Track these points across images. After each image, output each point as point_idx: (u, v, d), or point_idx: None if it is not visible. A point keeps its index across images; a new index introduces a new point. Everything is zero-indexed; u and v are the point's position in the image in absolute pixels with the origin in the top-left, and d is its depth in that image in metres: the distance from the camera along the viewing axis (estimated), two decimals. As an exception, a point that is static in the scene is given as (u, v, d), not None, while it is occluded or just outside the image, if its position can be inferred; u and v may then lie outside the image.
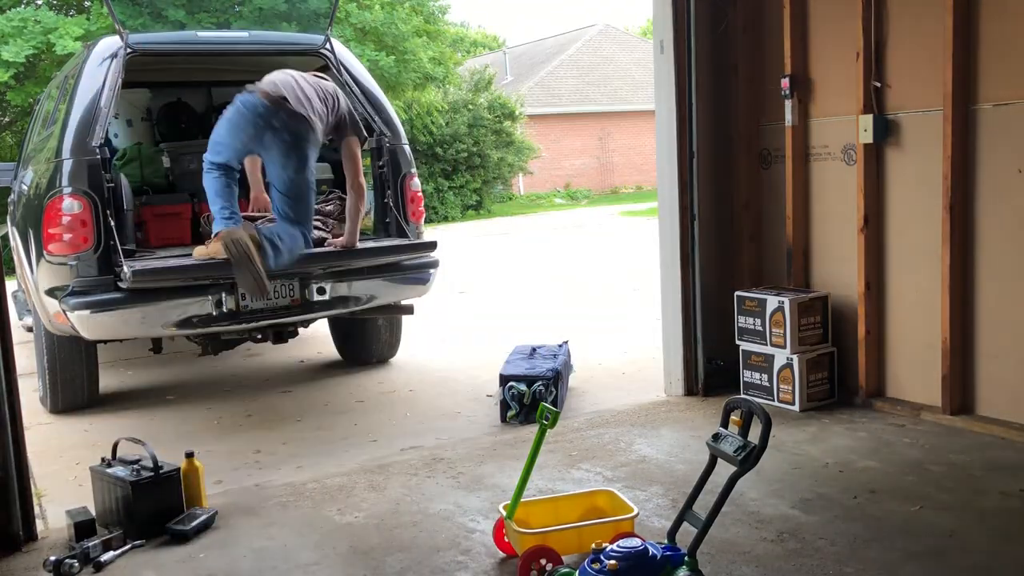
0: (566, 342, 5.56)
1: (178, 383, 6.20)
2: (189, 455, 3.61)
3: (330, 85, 4.98)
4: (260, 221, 5.01)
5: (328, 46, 5.68)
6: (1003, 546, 3.04)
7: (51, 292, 4.82)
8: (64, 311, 4.69)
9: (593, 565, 2.53)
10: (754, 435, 2.62)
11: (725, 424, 2.75)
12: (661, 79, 4.89)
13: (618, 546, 2.57)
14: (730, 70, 5.02)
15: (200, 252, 4.76)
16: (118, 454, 3.60)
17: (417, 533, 3.33)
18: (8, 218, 6.28)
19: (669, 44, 4.80)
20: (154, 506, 3.41)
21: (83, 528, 3.33)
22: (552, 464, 3.98)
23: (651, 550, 2.59)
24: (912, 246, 4.43)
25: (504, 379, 4.84)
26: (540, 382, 4.76)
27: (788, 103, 4.81)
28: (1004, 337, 4.11)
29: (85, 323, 4.66)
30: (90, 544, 3.20)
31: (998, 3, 3.99)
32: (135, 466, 3.48)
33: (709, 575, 2.84)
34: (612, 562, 2.51)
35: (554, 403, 4.73)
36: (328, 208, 5.56)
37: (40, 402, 5.61)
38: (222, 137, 4.62)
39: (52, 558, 3.12)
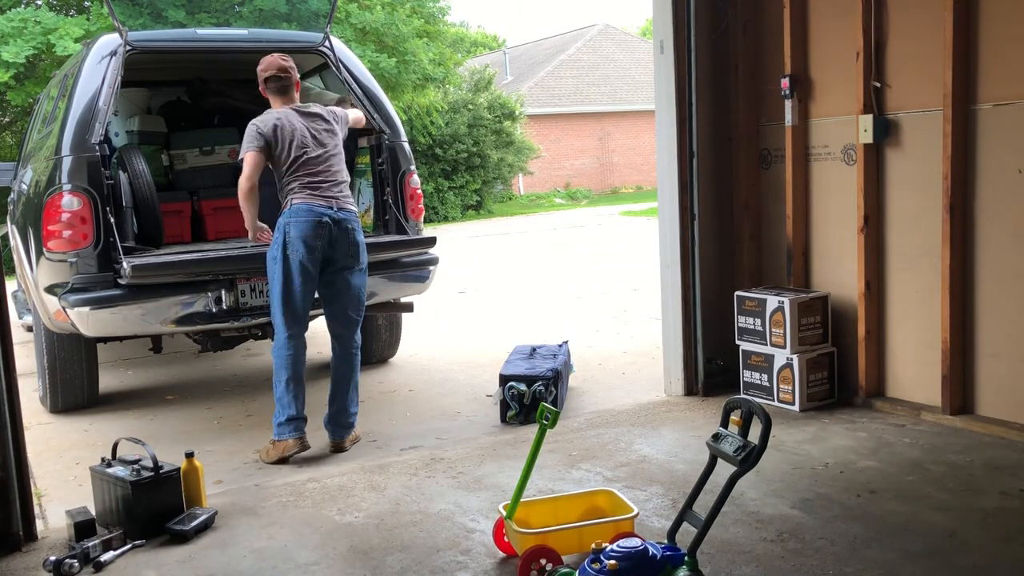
0: (566, 342, 5.56)
1: (178, 383, 6.20)
2: (189, 455, 3.61)
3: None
4: None
5: (327, 43, 5.68)
6: (1003, 546, 3.04)
7: (51, 289, 4.83)
8: (64, 308, 4.69)
9: (593, 565, 2.53)
10: (754, 435, 2.62)
11: (725, 424, 2.75)
12: (661, 79, 4.89)
13: (618, 546, 2.57)
14: (730, 70, 5.02)
15: None
16: (118, 454, 3.60)
17: (417, 533, 3.32)
18: (8, 217, 6.28)
19: (669, 44, 4.80)
20: (154, 506, 3.41)
21: (83, 528, 3.33)
22: (552, 464, 3.98)
23: (651, 550, 2.59)
24: (912, 246, 4.42)
25: (504, 379, 4.84)
26: (540, 382, 4.76)
27: (788, 103, 4.81)
28: (1004, 337, 4.11)
29: (85, 320, 4.67)
30: (90, 544, 3.20)
31: (998, 3, 3.99)
32: (135, 466, 3.47)
33: (709, 575, 2.84)
34: (612, 562, 2.50)
35: (554, 403, 4.73)
36: None
37: (40, 402, 5.60)
38: None
39: (52, 558, 3.12)
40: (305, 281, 4.33)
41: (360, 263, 4.53)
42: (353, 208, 4.54)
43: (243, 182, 4.42)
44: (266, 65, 4.54)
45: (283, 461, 4.30)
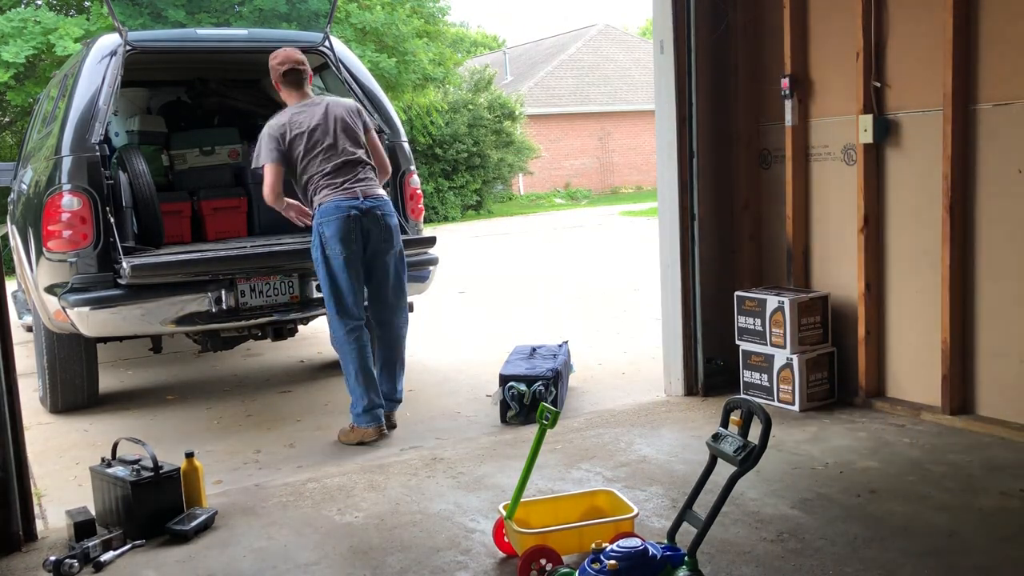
0: (566, 342, 5.55)
1: (178, 383, 6.20)
2: (189, 455, 3.61)
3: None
4: None
5: (327, 43, 5.68)
6: (1003, 546, 3.04)
7: (51, 289, 4.83)
8: (64, 308, 4.69)
9: (593, 565, 2.53)
10: (754, 435, 2.62)
11: (725, 424, 2.74)
12: (661, 79, 4.89)
13: (618, 546, 2.57)
14: (730, 70, 5.02)
15: None
16: (118, 454, 3.60)
17: (417, 533, 3.32)
18: (8, 217, 6.29)
19: (669, 44, 4.80)
20: (154, 506, 3.41)
21: (83, 528, 3.33)
22: (552, 464, 3.98)
23: (651, 550, 2.59)
24: (912, 246, 4.42)
25: (504, 379, 4.84)
26: (540, 382, 4.76)
27: (788, 103, 4.81)
28: (1004, 337, 4.11)
29: (85, 320, 4.67)
30: (90, 544, 3.20)
31: (998, 3, 3.99)
32: (135, 466, 3.47)
33: (709, 575, 2.84)
34: (612, 562, 2.50)
35: (554, 403, 4.73)
36: None
37: (40, 402, 5.60)
38: None
39: (52, 558, 3.12)
40: (350, 276, 4.46)
41: (395, 246, 4.61)
42: (380, 192, 4.60)
43: (267, 193, 4.58)
44: (282, 59, 4.62)
45: (360, 444, 4.51)
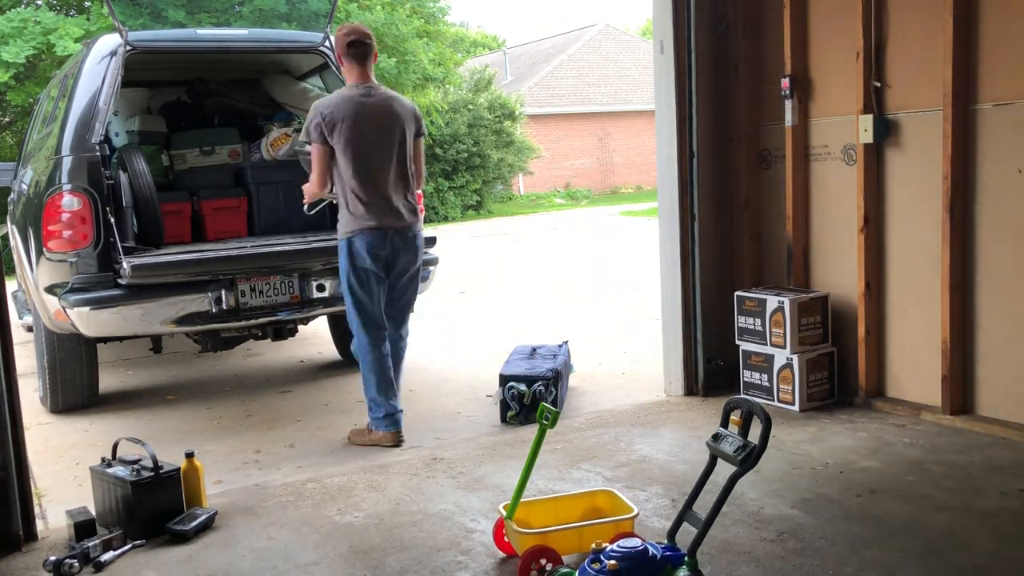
0: (566, 342, 5.56)
1: (178, 383, 6.20)
2: (189, 455, 3.61)
3: None
4: None
5: (327, 44, 5.68)
6: (1003, 546, 3.04)
7: (51, 289, 4.83)
8: (64, 308, 4.70)
9: (593, 565, 2.53)
10: (754, 435, 2.62)
11: (725, 424, 2.75)
12: (661, 79, 4.89)
13: (618, 546, 2.57)
14: (730, 70, 5.02)
15: None
16: (118, 454, 3.60)
17: (417, 533, 3.33)
18: (8, 217, 6.29)
19: (669, 44, 4.80)
20: (154, 506, 3.41)
21: (83, 528, 3.33)
22: (552, 464, 3.98)
23: (651, 550, 2.59)
24: (912, 246, 4.43)
25: (504, 379, 4.84)
26: (540, 382, 4.76)
27: (788, 103, 4.81)
28: (1004, 337, 4.11)
29: (85, 320, 4.67)
30: (90, 544, 3.20)
31: (998, 3, 3.99)
32: (135, 466, 3.47)
33: (709, 575, 2.84)
34: (612, 562, 2.50)
35: (554, 403, 4.73)
36: None
37: (40, 402, 5.60)
38: None
39: (52, 558, 3.12)
40: (377, 289, 4.38)
41: (418, 263, 4.55)
42: (410, 218, 4.45)
43: (314, 180, 4.32)
44: (348, 30, 4.33)
45: (373, 447, 4.44)
